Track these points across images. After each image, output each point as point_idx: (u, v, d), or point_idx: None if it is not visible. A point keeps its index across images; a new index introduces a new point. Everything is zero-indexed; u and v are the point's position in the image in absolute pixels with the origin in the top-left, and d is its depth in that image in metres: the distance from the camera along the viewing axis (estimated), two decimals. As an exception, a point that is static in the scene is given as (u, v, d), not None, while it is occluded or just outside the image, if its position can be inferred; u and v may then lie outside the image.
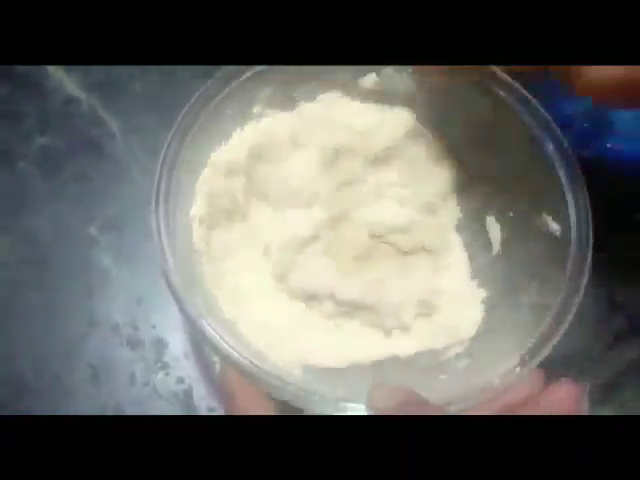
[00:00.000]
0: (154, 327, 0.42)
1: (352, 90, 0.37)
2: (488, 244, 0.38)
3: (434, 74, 0.33)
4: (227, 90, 0.35)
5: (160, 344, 0.42)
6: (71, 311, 0.43)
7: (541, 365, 0.29)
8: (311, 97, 0.37)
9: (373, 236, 0.38)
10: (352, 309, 0.37)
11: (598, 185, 0.32)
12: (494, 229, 0.37)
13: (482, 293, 0.37)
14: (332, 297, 0.37)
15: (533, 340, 0.29)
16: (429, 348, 0.36)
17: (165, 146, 0.33)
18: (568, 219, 0.31)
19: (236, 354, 0.30)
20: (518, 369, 0.28)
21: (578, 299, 0.29)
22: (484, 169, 0.37)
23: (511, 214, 0.36)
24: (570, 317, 0.29)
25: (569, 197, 0.31)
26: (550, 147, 0.32)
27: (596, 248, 0.31)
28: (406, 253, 0.39)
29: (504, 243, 0.37)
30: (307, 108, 0.38)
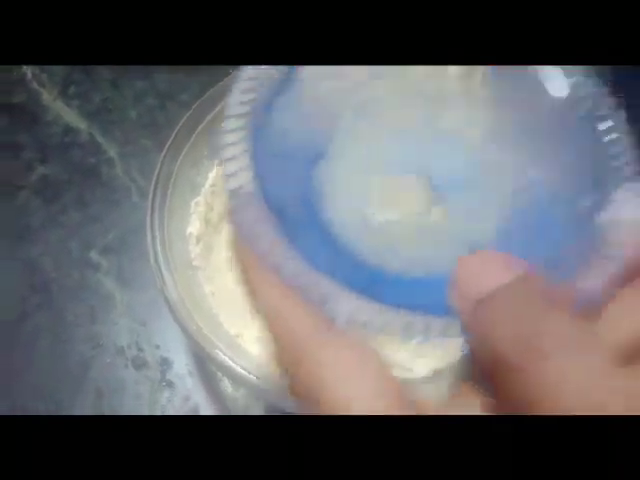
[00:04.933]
0: (158, 347, 0.43)
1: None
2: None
3: None
4: (217, 109, 0.36)
5: (165, 364, 0.42)
6: (76, 335, 0.43)
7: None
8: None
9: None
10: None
11: None
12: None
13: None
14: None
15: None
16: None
17: (158, 167, 0.33)
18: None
19: (239, 368, 0.30)
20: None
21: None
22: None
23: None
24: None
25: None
26: None
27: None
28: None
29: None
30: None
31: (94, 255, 0.45)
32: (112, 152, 0.48)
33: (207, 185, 0.37)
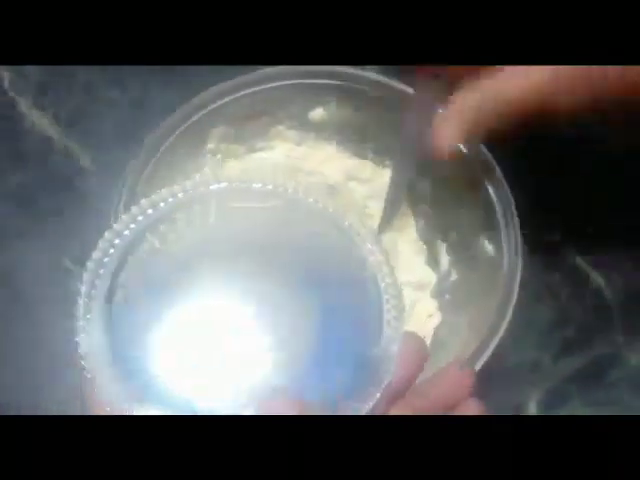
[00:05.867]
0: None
1: (302, 124, 0.39)
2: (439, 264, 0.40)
3: None
4: (182, 128, 0.37)
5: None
6: (52, 342, 0.44)
7: (486, 375, 0.31)
8: (262, 132, 0.39)
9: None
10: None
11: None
12: (441, 249, 0.39)
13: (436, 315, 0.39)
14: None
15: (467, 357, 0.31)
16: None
17: (120, 185, 0.35)
18: (500, 240, 0.33)
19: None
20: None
21: (507, 320, 0.31)
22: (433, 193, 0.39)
23: (454, 236, 0.38)
24: (497, 338, 0.31)
25: (502, 222, 0.33)
26: (485, 175, 0.35)
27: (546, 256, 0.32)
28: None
29: (451, 264, 0.38)
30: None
31: (68, 264, 0.46)
32: (87, 161, 0.49)
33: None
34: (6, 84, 0.50)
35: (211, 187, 0.24)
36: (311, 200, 0.24)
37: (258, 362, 0.23)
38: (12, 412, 0.42)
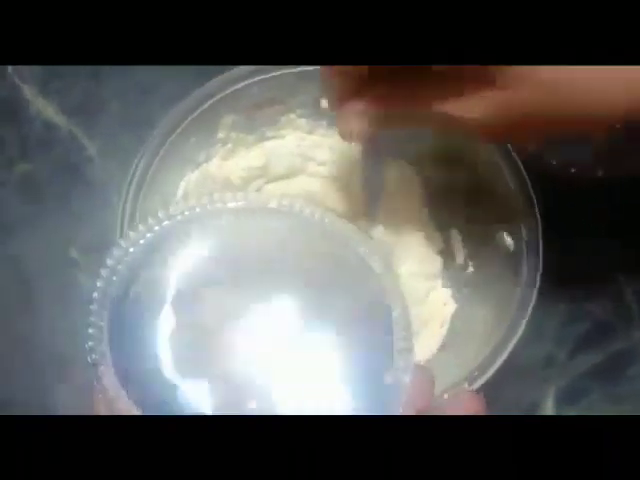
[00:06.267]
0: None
1: (313, 112, 0.38)
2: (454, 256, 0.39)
3: None
4: (193, 116, 0.36)
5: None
6: (56, 332, 0.44)
7: (503, 372, 0.30)
8: (273, 120, 0.38)
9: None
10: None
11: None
12: (457, 241, 0.38)
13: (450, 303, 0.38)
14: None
15: (483, 356, 0.30)
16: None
17: (131, 170, 0.34)
18: (521, 235, 0.32)
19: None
20: (467, 384, 0.29)
21: (526, 318, 0.31)
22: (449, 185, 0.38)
23: (472, 228, 0.37)
24: (517, 336, 0.30)
25: (523, 215, 0.33)
26: (507, 170, 0.34)
27: (562, 253, 0.32)
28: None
29: (468, 256, 0.38)
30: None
31: (74, 253, 0.45)
32: (92, 149, 0.48)
33: (180, 190, 0.37)
34: (10, 71, 0.50)
35: (228, 205, 0.24)
36: (327, 221, 0.24)
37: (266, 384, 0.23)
38: (17, 410, 0.42)
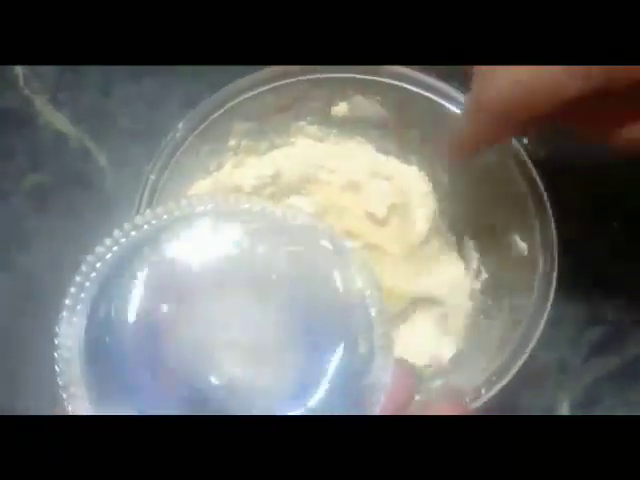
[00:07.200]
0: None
1: (324, 120, 0.38)
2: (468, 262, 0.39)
3: None
4: (204, 125, 0.36)
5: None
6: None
7: (518, 377, 0.30)
8: (283, 128, 0.38)
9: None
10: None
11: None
12: (469, 247, 0.38)
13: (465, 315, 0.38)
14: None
15: (501, 360, 0.30)
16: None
17: (143, 180, 0.34)
18: (534, 239, 0.32)
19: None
20: (483, 390, 0.29)
21: (542, 322, 0.30)
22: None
23: (484, 233, 0.37)
24: (533, 341, 0.30)
25: (536, 219, 0.32)
26: (518, 172, 0.34)
27: (576, 258, 0.32)
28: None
29: (480, 262, 0.38)
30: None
31: (85, 262, 0.45)
32: (103, 159, 0.48)
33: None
34: (21, 82, 0.50)
35: (196, 209, 0.23)
36: (298, 222, 0.23)
37: (243, 384, 0.23)
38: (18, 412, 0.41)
